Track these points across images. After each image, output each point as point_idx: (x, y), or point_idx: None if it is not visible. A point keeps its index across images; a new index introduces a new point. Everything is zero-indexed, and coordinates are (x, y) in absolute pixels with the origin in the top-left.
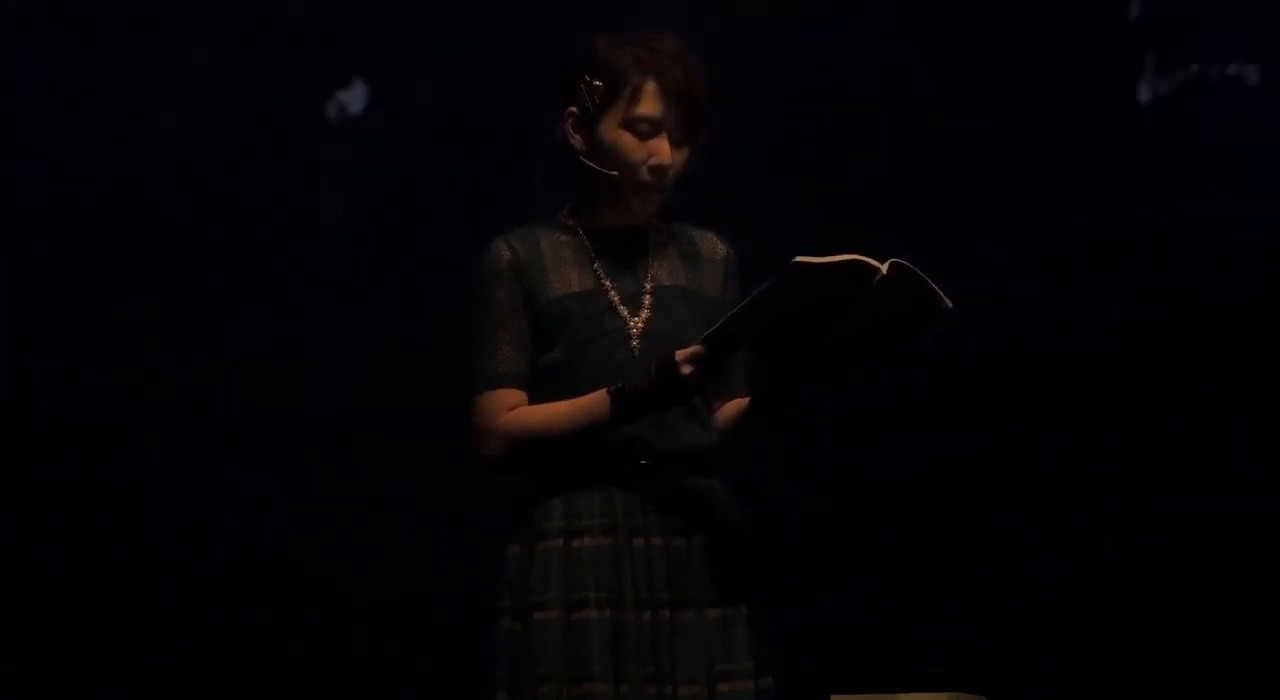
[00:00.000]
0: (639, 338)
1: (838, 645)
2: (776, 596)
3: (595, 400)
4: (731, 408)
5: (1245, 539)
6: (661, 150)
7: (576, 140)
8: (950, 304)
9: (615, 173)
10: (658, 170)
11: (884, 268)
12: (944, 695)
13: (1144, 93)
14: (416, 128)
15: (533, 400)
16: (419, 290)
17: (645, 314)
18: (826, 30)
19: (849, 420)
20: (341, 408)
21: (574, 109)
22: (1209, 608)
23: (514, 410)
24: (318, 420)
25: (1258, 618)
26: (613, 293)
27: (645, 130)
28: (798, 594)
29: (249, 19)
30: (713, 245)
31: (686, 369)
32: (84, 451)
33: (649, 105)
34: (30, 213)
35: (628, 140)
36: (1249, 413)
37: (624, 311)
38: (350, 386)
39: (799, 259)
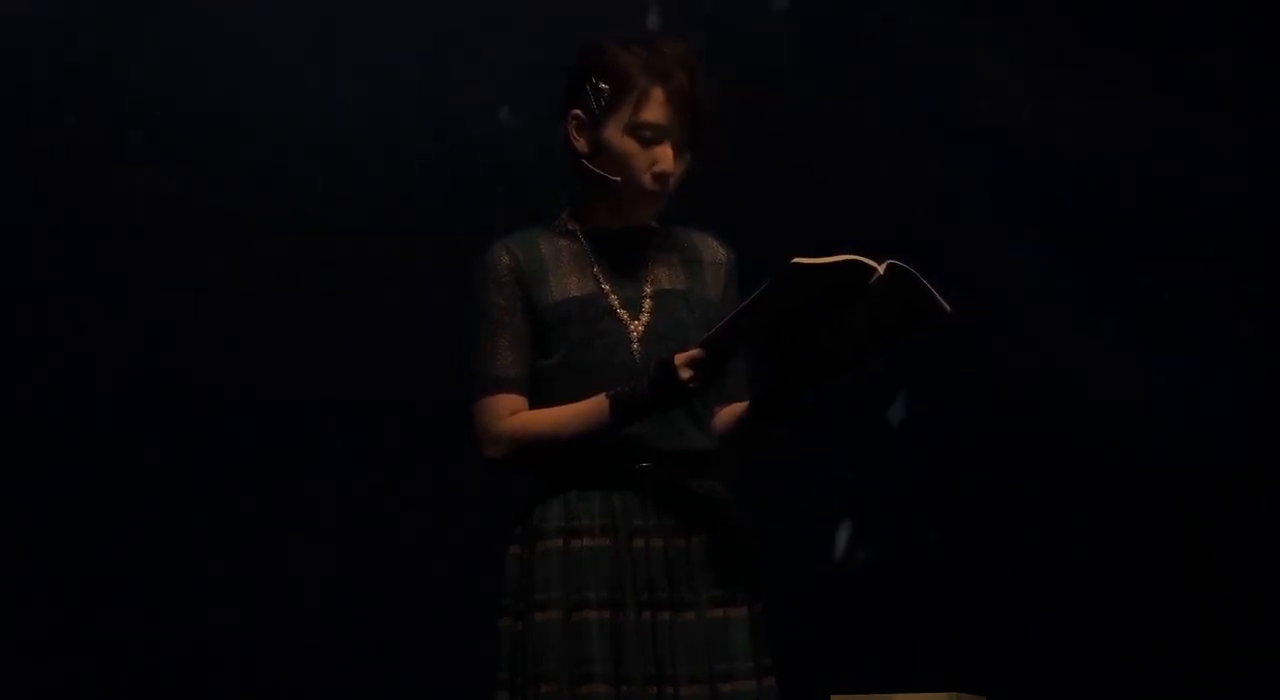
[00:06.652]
0: (639, 341)
1: (838, 645)
2: (776, 597)
3: (595, 404)
4: (731, 411)
5: (1247, 538)
6: (665, 157)
7: (580, 143)
8: (949, 307)
9: (618, 178)
10: (661, 177)
11: (881, 268)
12: (944, 695)
13: None
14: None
15: (533, 404)
16: (421, 290)
17: (645, 317)
18: None
19: (848, 419)
20: (340, 406)
21: (578, 111)
22: (1209, 608)
23: (515, 415)
24: (316, 419)
25: (1258, 617)
26: (612, 297)
27: (650, 136)
28: (798, 594)
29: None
30: (712, 249)
31: (685, 373)
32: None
33: (655, 112)
34: None
35: (632, 146)
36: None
37: (624, 315)
38: (351, 385)
39: (796, 260)
